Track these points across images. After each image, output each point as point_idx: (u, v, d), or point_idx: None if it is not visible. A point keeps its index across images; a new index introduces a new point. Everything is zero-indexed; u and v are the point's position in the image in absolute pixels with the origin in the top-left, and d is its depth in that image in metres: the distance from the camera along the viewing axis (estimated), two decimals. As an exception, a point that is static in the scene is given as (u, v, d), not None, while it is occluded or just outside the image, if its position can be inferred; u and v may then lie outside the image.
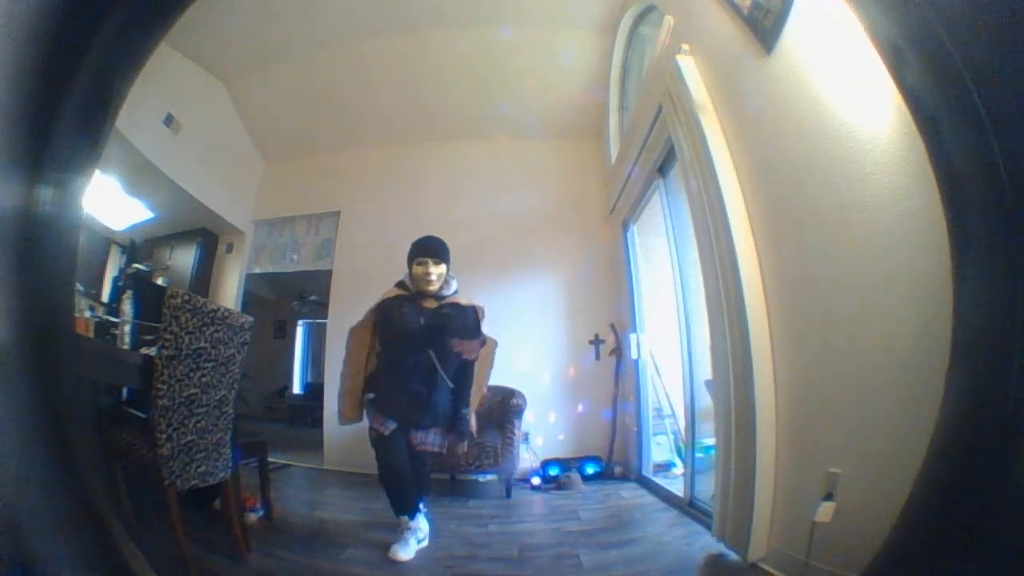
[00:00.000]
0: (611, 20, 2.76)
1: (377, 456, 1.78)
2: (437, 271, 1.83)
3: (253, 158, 3.13)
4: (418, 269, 1.84)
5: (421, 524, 1.77)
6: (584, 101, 3.06)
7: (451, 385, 1.84)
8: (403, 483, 1.79)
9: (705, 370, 2.03)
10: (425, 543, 1.76)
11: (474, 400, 1.89)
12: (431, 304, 1.85)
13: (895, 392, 1.12)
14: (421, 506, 1.81)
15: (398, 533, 1.72)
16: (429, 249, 1.85)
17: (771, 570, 1.43)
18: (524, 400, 2.42)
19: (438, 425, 1.83)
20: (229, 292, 2.93)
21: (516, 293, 2.83)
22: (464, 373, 1.86)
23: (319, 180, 3.18)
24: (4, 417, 0.59)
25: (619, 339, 2.75)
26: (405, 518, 1.74)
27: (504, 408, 2.39)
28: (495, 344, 1.90)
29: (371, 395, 1.85)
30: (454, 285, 1.90)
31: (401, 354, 1.82)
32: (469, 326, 1.82)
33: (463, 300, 1.88)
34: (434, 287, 1.84)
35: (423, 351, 1.79)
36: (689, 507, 2.02)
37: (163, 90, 2.43)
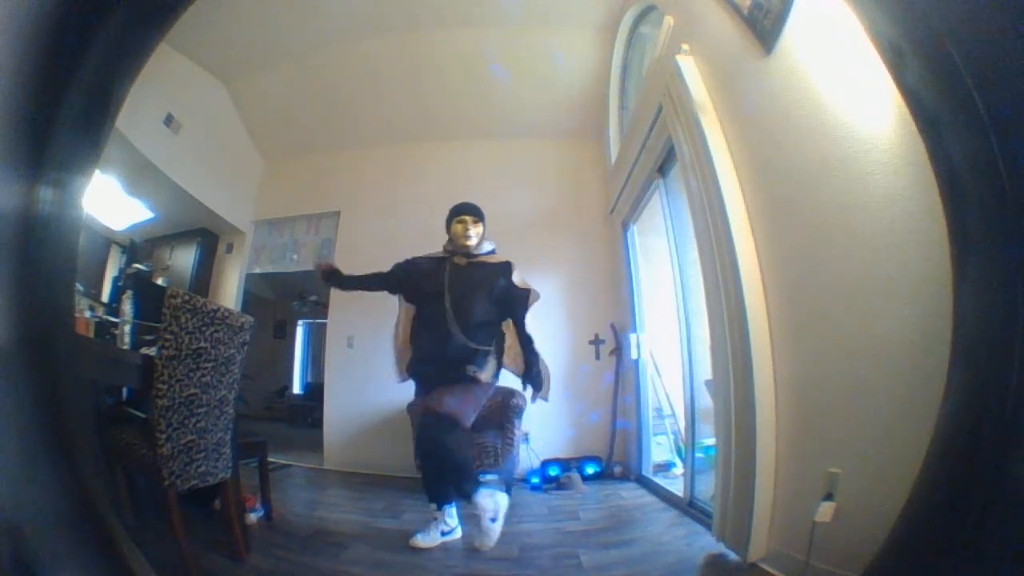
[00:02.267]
0: (611, 20, 2.76)
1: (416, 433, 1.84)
2: (476, 230, 1.96)
3: (253, 158, 3.13)
4: (457, 227, 1.96)
5: (448, 518, 1.80)
6: (584, 101, 3.06)
7: (474, 346, 1.85)
8: (437, 468, 1.79)
9: (705, 370, 2.03)
10: (453, 537, 1.78)
11: (509, 351, 1.95)
12: (461, 261, 1.95)
13: (895, 392, 1.11)
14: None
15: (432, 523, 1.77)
16: (468, 208, 1.98)
17: (771, 570, 1.43)
18: (524, 400, 2.42)
19: (460, 384, 1.81)
20: (229, 292, 2.93)
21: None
22: (522, 331, 1.93)
23: (319, 180, 3.18)
24: (4, 417, 0.59)
25: (619, 339, 2.74)
26: (433, 506, 1.79)
27: (504, 408, 2.39)
28: (536, 297, 1.98)
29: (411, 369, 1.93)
30: (488, 247, 2.00)
31: (425, 315, 1.91)
32: (492, 279, 1.92)
33: (494, 259, 1.98)
34: (472, 243, 1.95)
35: (442, 308, 1.86)
36: (689, 507, 2.02)
37: (163, 90, 2.43)
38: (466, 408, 1.79)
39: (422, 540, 1.71)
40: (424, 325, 1.93)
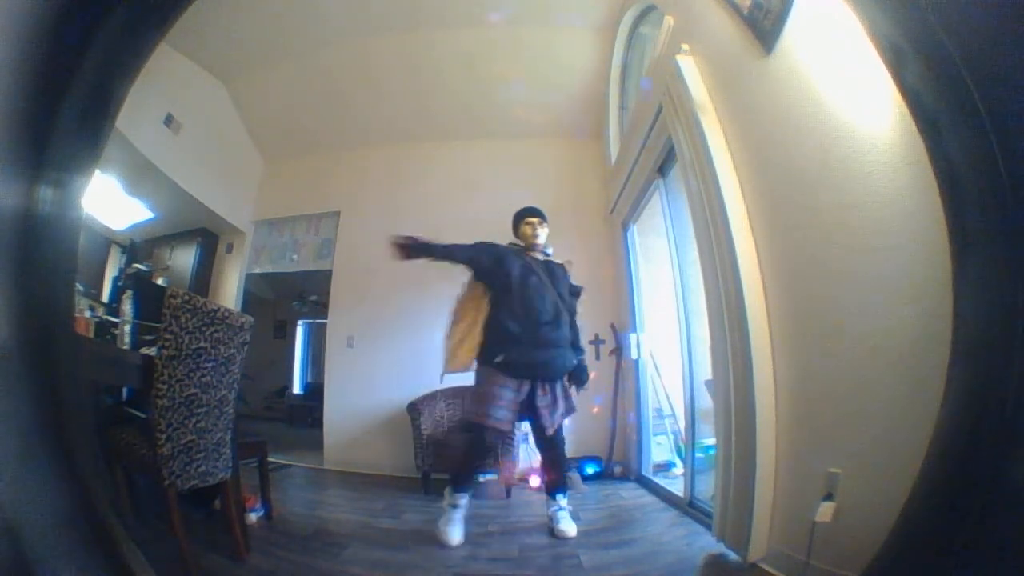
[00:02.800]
0: (611, 20, 2.76)
1: (481, 423, 1.88)
2: (543, 230, 2.14)
3: (253, 158, 3.13)
4: (526, 228, 2.13)
5: (462, 502, 1.86)
6: (584, 101, 3.06)
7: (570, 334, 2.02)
8: (484, 455, 1.95)
9: (705, 370, 2.03)
10: (466, 513, 1.87)
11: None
12: (539, 255, 2.11)
13: (895, 392, 1.11)
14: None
15: (446, 514, 1.80)
16: (535, 211, 2.16)
17: (771, 570, 1.43)
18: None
19: (565, 374, 1.99)
20: (229, 292, 2.93)
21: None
22: (573, 321, 2.07)
23: (319, 180, 3.18)
24: (4, 417, 0.59)
25: (619, 339, 2.74)
26: (458, 495, 1.85)
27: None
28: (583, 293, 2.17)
29: (499, 358, 1.91)
30: (551, 248, 2.17)
31: (531, 302, 1.97)
32: (563, 275, 2.11)
33: (556, 259, 2.16)
34: (541, 241, 2.12)
35: (550, 299, 2.00)
36: (689, 507, 2.02)
37: (163, 90, 2.43)
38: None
39: (454, 536, 1.75)
40: (528, 312, 1.96)
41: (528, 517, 2.10)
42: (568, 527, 1.84)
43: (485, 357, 1.93)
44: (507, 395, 1.88)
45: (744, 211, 1.67)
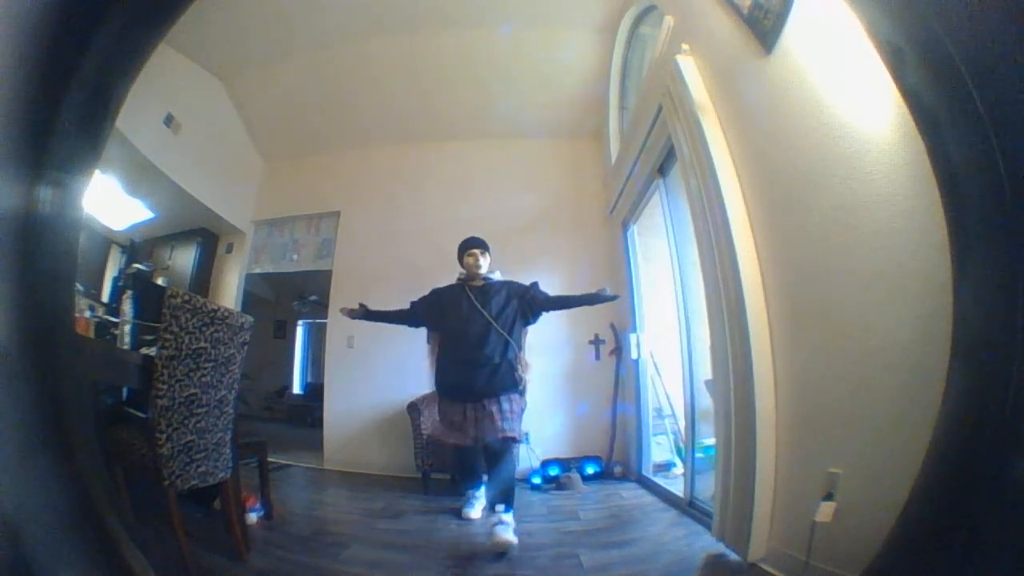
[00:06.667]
0: (611, 20, 2.76)
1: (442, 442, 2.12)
2: (484, 260, 2.26)
3: (253, 158, 3.12)
4: (469, 259, 2.25)
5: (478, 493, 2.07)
6: (584, 101, 3.06)
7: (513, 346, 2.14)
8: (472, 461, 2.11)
9: (705, 370, 2.03)
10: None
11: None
12: (479, 283, 2.23)
13: (895, 392, 1.12)
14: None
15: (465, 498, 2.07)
16: (477, 242, 2.29)
17: (771, 570, 1.43)
18: (525, 401, 2.41)
19: (503, 389, 2.08)
20: (229, 292, 2.92)
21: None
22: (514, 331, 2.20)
23: (319, 180, 3.17)
24: (4, 417, 0.59)
25: (619, 339, 2.74)
26: (468, 490, 2.08)
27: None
28: None
29: (442, 385, 2.13)
30: (496, 274, 2.30)
31: (460, 331, 2.13)
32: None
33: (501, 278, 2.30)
34: (483, 270, 2.24)
35: (479, 323, 2.13)
36: (689, 507, 2.02)
37: (163, 90, 2.43)
38: None
39: (471, 513, 1.99)
40: (459, 340, 2.18)
41: (529, 517, 2.09)
42: (506, 537, 1.73)
43: (437, 386, 2.15)
44: (455, 417, 2.05)
45: (744, 211, 1.67)
